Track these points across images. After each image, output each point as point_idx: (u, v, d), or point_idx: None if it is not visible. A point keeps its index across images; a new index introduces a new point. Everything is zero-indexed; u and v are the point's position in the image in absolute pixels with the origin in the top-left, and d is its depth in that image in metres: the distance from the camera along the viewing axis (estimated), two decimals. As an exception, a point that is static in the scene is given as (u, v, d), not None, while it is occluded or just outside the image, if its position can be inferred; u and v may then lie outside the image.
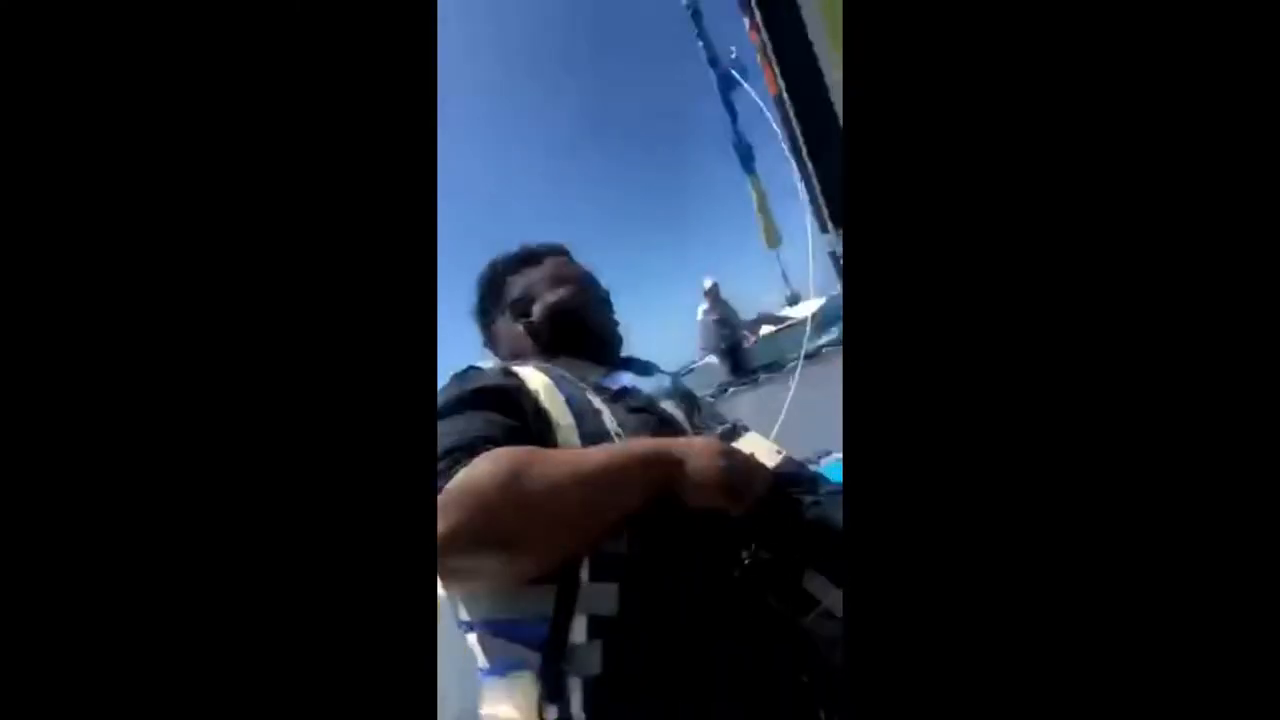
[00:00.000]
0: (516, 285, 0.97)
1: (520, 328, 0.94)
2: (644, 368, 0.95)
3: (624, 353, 0.98)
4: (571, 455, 0.68)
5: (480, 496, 0.59)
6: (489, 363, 0.83)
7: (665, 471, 0.65)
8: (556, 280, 0.97)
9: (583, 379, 0.82)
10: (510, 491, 0.60)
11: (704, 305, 4.88)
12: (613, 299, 1.01)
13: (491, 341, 0.99)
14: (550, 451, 0.68)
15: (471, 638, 0.69)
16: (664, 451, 0.67)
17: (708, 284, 4.92)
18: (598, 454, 0.67)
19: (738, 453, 0.70)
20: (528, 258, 1.01)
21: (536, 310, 0.94)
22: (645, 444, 0.69)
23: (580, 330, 0.95)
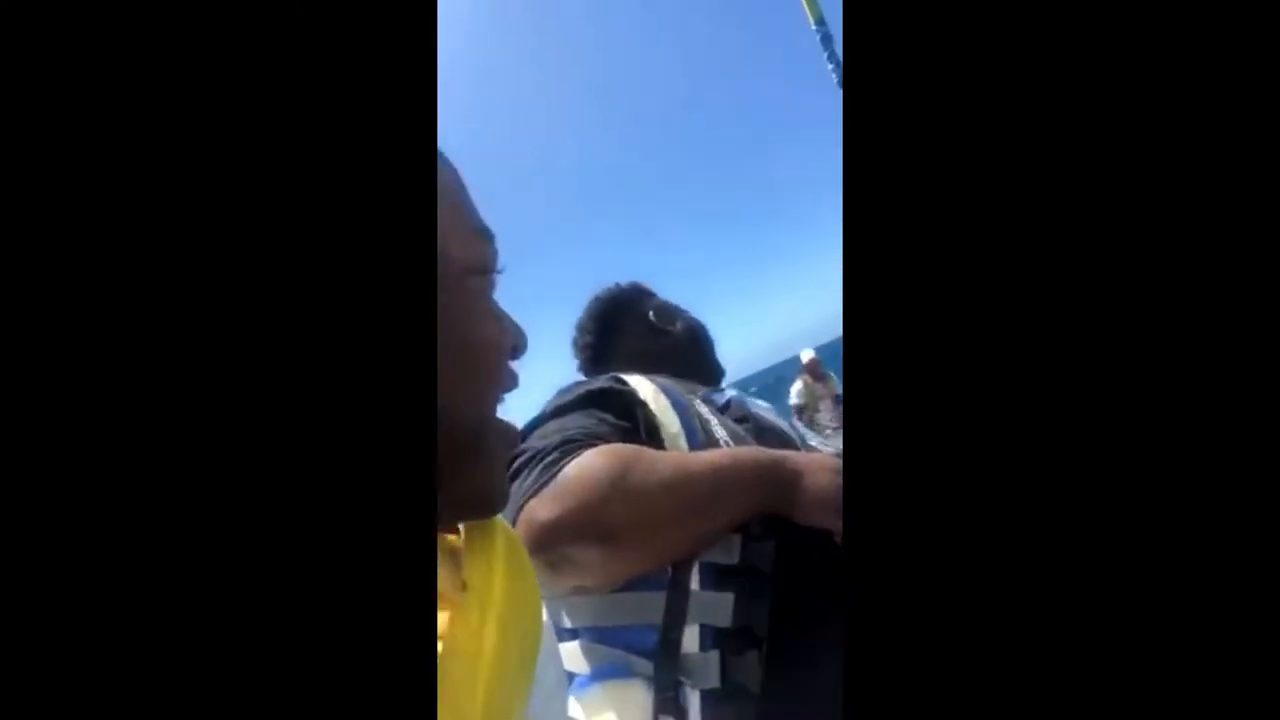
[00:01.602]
0: (652, 305, 1.03)
1: (659, 339, 0.99)
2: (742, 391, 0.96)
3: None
4: (681, 456, 0.66)
5: (588, 487, 0.59)
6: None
7: (778, 483, 0.62)
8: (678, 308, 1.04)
9: (690, 391, 0.81)
10: (618, 485, 0.59)
11: (798, 383, 4.59)
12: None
13: (601, 357, 1.02)
14: (659, 453, 0.67)
15: (571, 645, 0.67)
16: (779, 462, 0.64)
17: (806, 356, 4.62)
18: (708, 457, 0.66)
19: None
20: (645, 288, 1.09)
21: (679, 325, 1.00)
22: (759, 453, 0.67)
23: (709, 349, 1.00)
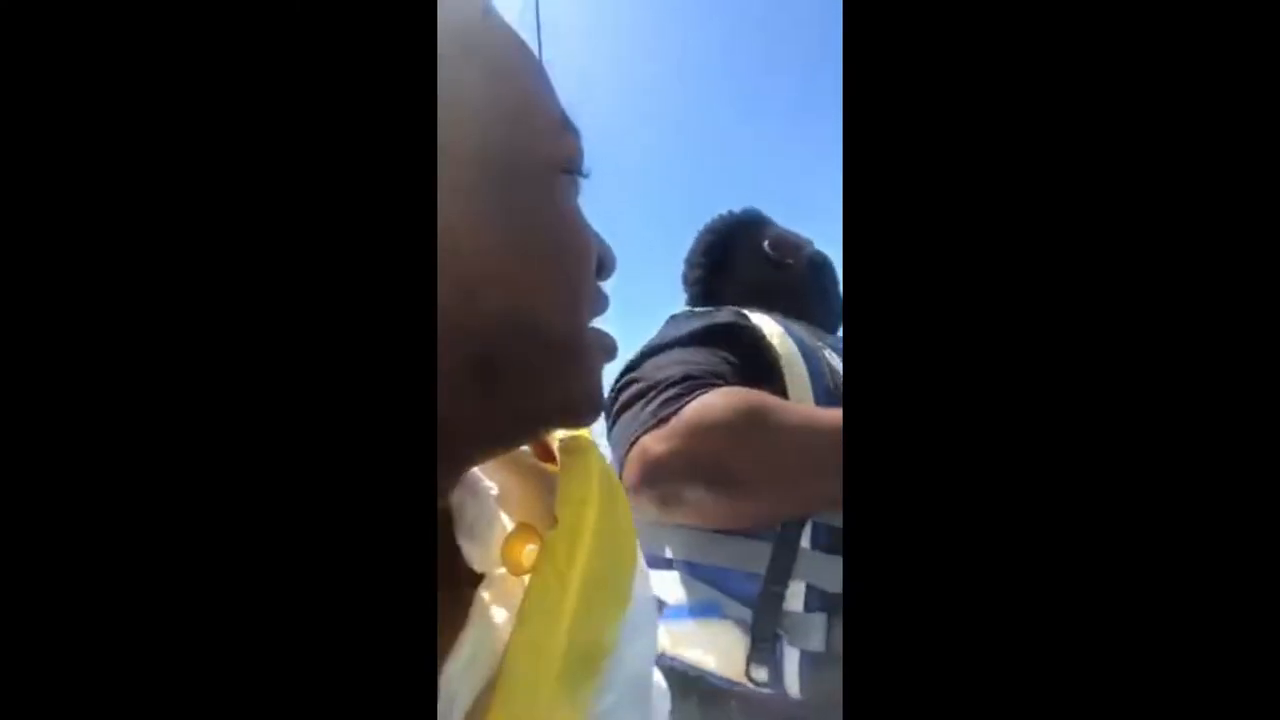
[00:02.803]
0: (769, 235, 0.92)
1: (775, 273, 0.89)
2: None
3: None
4: (809, 412, 0.62)
5: (709, 429, 0.57)
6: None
7: None
8: (800, 238, 0.92)
9: (817, 337, 0.76)
10: (741, 433, 0.57)
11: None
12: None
13: (712, 294, 0.92)
14: (786, 403, 0.63)
15: (668, 575, 0.67)
16: None
17: None
18: (838, 416, 0.61)
19: None
20: (761, 216, 0.96)
21: (798, 258, 0.90)
22: None
23: (832, 286, 0.90)
